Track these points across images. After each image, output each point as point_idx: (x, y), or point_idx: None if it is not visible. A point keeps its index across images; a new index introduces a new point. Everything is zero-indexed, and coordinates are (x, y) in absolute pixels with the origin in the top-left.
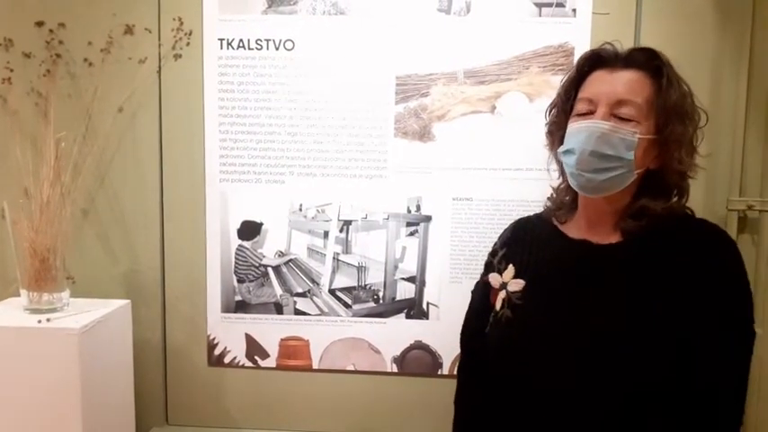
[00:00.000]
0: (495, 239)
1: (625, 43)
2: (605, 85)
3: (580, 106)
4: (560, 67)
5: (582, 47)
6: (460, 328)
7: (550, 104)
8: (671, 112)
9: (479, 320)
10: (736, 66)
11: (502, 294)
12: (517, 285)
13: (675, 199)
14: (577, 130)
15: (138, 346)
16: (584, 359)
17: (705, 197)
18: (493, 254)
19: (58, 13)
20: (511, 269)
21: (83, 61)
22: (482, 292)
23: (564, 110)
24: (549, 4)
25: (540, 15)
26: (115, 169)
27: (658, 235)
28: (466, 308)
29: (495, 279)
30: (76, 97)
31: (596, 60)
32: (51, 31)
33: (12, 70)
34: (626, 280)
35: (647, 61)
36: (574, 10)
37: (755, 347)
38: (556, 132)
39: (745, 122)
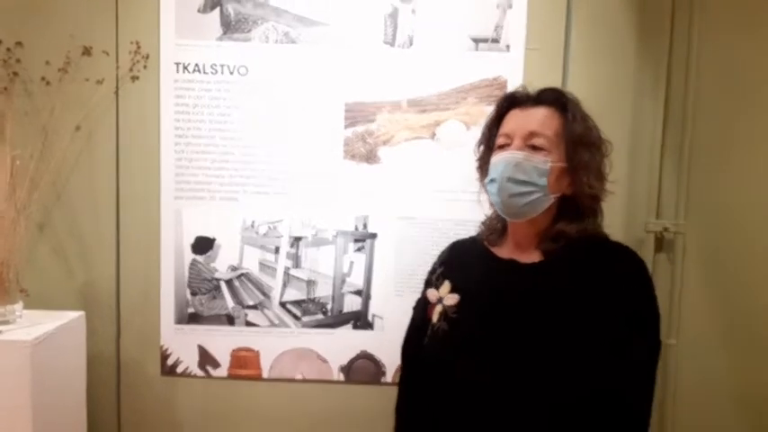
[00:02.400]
0: (436, 257)
1: (554, 76)
2: (519, 120)
3: (499, 141)
4: (494, 99)
5: (514, 80)
6: (402, 339)
7: (477, 142)
8: (578, 142)
9: (419, 335)
10: (653, 100)
11: (438, 308)
12: (452, 300)
13: (589, 221)
14: (496, 161)
15: (92, 358)
16: (512, 366)
17: (625, 220)
18: (432, 272)
19: (16, 32)
20: (447, 285)
21: (40, 80)
22: (422, 308)
23: (488, 146)
24: (485, 40)
25: (477, 50)
26: (72, 185)
27: (574, 255)
28: (408, 319)
29: (432, 294)
30: (33, 115)
31: (512, 101)
32: (9, 49)
33: None
34: (545, 295)
35: (554, 99)
36: (507, 46)
37: (672, 356)
38: (483, 166)
39: (662, 152)
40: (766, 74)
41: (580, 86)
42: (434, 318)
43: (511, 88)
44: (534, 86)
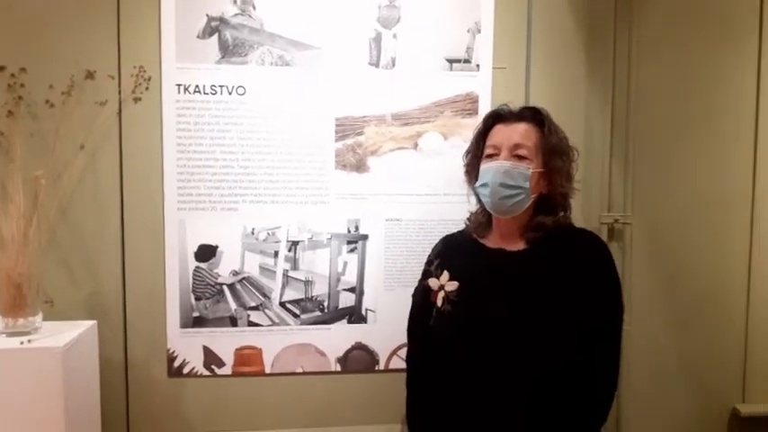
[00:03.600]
0: (423, 252)
1: (518, 91)
2: (505, 134)
3: (488, 151)
4: (468, 112)
5: (484, 95)
6: (396, 328)
7: (466, 151)
8: (552, 151)
9: (422, 316)
10: (601, 112)
11: (441, 294)
12: (452, 286)
13: (562, 214)
14: (488, 169)
15: (102, 363)
16: (507, 336)
17: (583, 213)
18: (429, 263)
19: (20, 59)
20: (446, 274)
21: (44, 103)
22: (422, 294)
23: (476, 155)
24: (458, 61)
25: (451, 70)
26: (77, 201)
27: (552, 241)
28: (399, 311)
29: (434, 283)
30: (39, 136)
31: (496, 117)
32: (13, 75)
33: None
34: (531, 275)
35: (533, 116)
36: (478, 65)
37: (624, 331)
38: (472, 172)
39: (611, 157)
40: (697, 87)
41: (540, 100)
42: (438, 302)
43: (481, 103)
44: (501, 100)
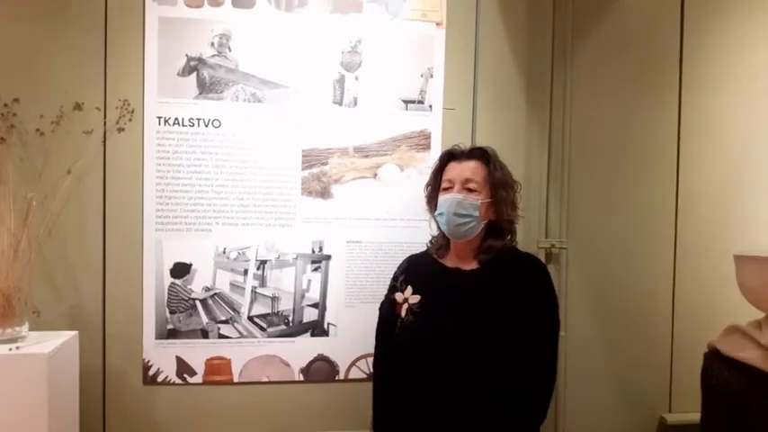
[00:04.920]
0: (381, 272)
1: (465, 130)
2: (457, 170)
3: (444, 185)
4: (421, 147)
5: (436, 132)
6: (355, 341)
7: (426, 184)
8: (498, 185)
9: (388, 326)
10: (539, 149)
11: (405, 306)
12: (415, 299)
13: (509, 238)
14: (444, 200)
15: (81, 371)
16: (462, 343)
17: (525, 239)
18: (395, 279)
19: (13, 90)
20: (410, 288)
21: (35, 131)
22: (388, 307)
23: (434, 187)
24: (413, 101)
25: (407, 109)
26: (62, 221)
27: (501, 262)
28: (358, 326)
29: (399, 296)
30: (28, 161)
31: (450, 156)
32: (6, 104)
33: None
34: (483, 291)
35: (481, 155)
36: (430, 106)
37: (561, 344)
38: (431, 201)
39: (548, 189)
40: (624, 125)
41: (485, 137)
42: (402, 313)
43: (433, 139)
44: (451, 136)
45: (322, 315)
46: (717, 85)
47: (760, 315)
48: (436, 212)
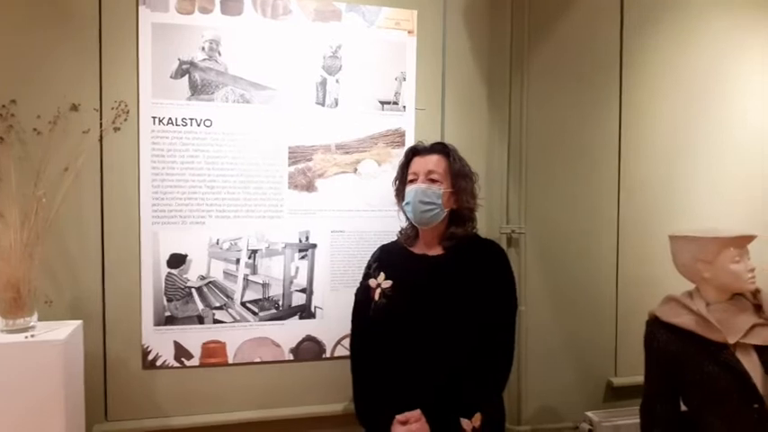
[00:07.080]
0: (363, 258)
1: (435, 128)
2: (421, 163)
3: (410, 177)
4: (397, 144)
5: (409, 130)
6: (340, 322)
7: (395, 178)
8: (458, 175)
9: (363, 309)
10: (500, 143)
11: (378, 290)
12: (387, 284)
13: (470, 225)
14: (410, 191)
15: (84, 357)
16: (430, 321)
17: (487, 225)
18: (369, 267)
19: (11, 91)
20: (382, 275)
21: (32, 131)
22: (363, 292)
23: (402, 180)
24: (389, 102)
25: (383, 110)
26: (61, 216)
27: (463, 248)
28: (343, 308)
29: (373, 282)
30: (27, 159)
31: (414, 151)
32: (4, 106)
33: None
34: (447, 275)
35: (442, 149)
36: (404, 107)
37: (521, 319)
38: (399, 194)
39: (508, 180)
40: (575, 125)
41: (452, 134)
42: (376, 297)
43: (407, 136)
44: (423, 134)
45: (309, 299)
46: (655, 85)
47: (692, 287)
48: (403, 202)
